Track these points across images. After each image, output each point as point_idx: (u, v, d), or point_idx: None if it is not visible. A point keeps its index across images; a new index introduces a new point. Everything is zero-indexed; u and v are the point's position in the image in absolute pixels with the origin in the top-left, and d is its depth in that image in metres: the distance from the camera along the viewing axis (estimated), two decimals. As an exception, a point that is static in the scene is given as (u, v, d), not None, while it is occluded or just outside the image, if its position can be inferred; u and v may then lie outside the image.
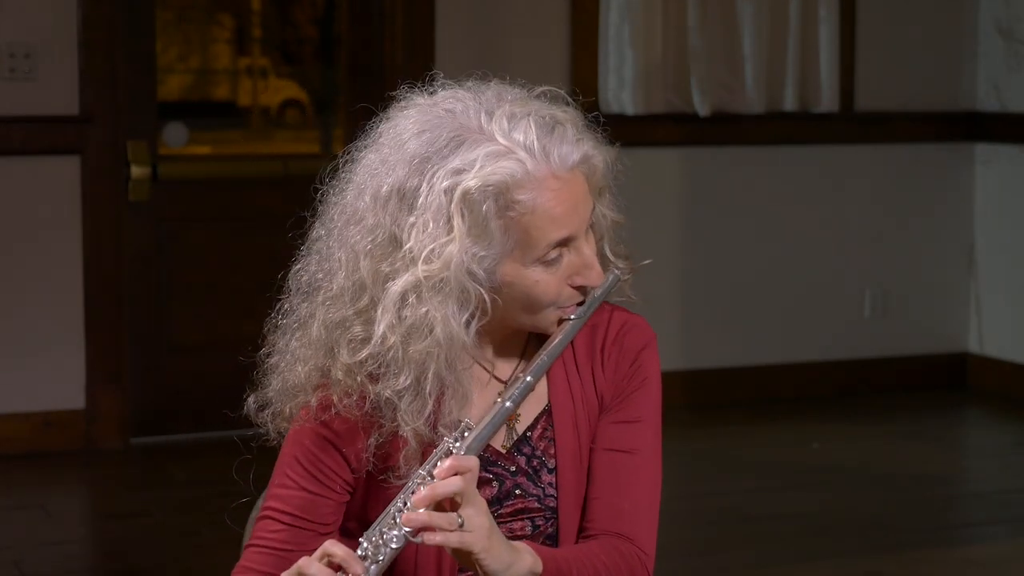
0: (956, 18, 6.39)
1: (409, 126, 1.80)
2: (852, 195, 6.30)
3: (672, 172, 6.02)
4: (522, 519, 1.90)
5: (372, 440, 1.81)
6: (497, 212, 1.75)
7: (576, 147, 1.80)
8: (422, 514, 1.66)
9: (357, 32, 5.73)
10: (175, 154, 5.56)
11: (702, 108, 5.91)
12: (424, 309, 1.75)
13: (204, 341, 5.48)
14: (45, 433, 5.26)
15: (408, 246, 1.75)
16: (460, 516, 1.67)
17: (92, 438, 5.31)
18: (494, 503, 1.88)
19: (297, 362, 1.86)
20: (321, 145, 6.13)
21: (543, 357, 1.83)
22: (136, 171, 5.31)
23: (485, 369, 1.90)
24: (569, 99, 1.88)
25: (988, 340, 6.44)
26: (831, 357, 6.32)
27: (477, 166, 1.74)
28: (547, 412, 1.92)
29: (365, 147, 1.85)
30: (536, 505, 1.90)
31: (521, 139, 1.77)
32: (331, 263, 1.83)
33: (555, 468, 1.90)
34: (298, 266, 1.89)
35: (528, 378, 1.80)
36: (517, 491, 1.89)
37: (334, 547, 1.67)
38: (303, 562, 1.68)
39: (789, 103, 6.10)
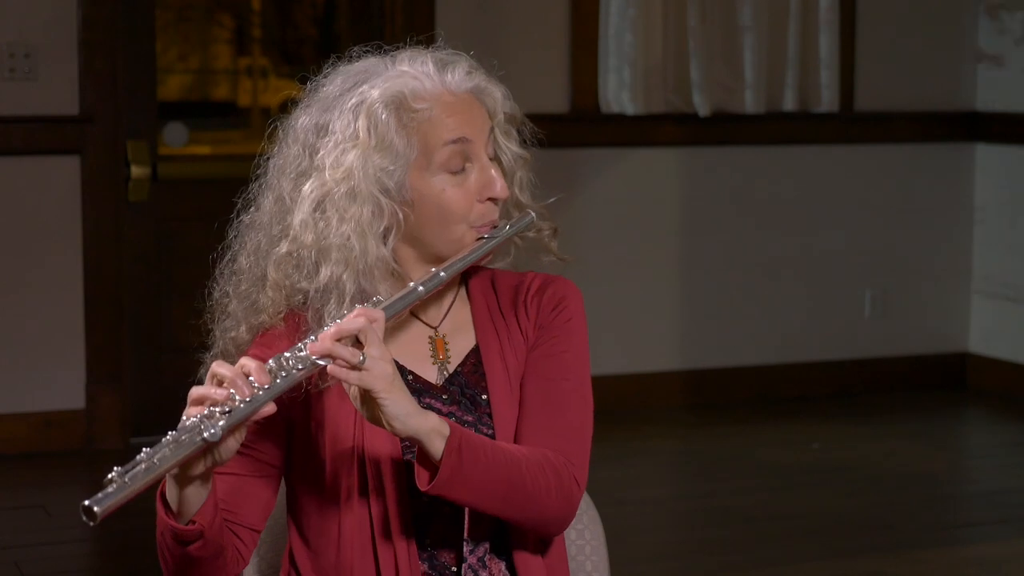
0: (956, 18, 6.39)
1: (327, 81, 1.99)
2: (852, 195, 6.30)
3: (672, 172, 6.02)
4: None
5: (302, 340, 1.88)
6: (398, 122, 1.91)
7: (468, 77, 1.97)
8: (326, 342, 1.74)
9: (357, 32, 5.73)
10: (175, 154, 5.56)
11: (702, 108, 5.91)
12: (338, 216, 1.89)
13: (204, 341, 5.47)
14: (45, 433, 5.26)
15: (320, 156, 1.92)
16: (363, 355, 1.75)
17: (92, 438, 5.31)
18: None
19: (231, 294, 1.99)
20: (321, 145, 6.13)
21: (459, 261, 1.94)
22: (136, 171, 5.31)
23: (416, 316, 2.01)
24: (469, 59, 2.01)
25: (988, 340, 6.44)
26: (831, 357, 6.33)
27: (379, 84, 1.93)
28: (475, 350, 2.02)
29: (296, 107, 2.01)
30: (473, 432, 1.94)
31: (419, 67, 1.96)
32: (259, 203, 2.00)
33: (488, 399, 1.98)
34: (234, 223, 2.04)
35: (441, 273, 1.91)
36: (452, 418, 1.95)
37: (220, 367, 1.77)
38: (196, 389, 1.79)
39: (789, 103, 6.10)
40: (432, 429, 1.80)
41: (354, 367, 1.75)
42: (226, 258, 2.02)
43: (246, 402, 1.73)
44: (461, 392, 1.99)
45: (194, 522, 1.82)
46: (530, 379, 2.00)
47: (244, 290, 1.97)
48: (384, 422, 1.78)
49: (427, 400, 1.96)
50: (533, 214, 2.03)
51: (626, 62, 5.80)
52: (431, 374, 1.99)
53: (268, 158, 2.02)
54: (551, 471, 1.91)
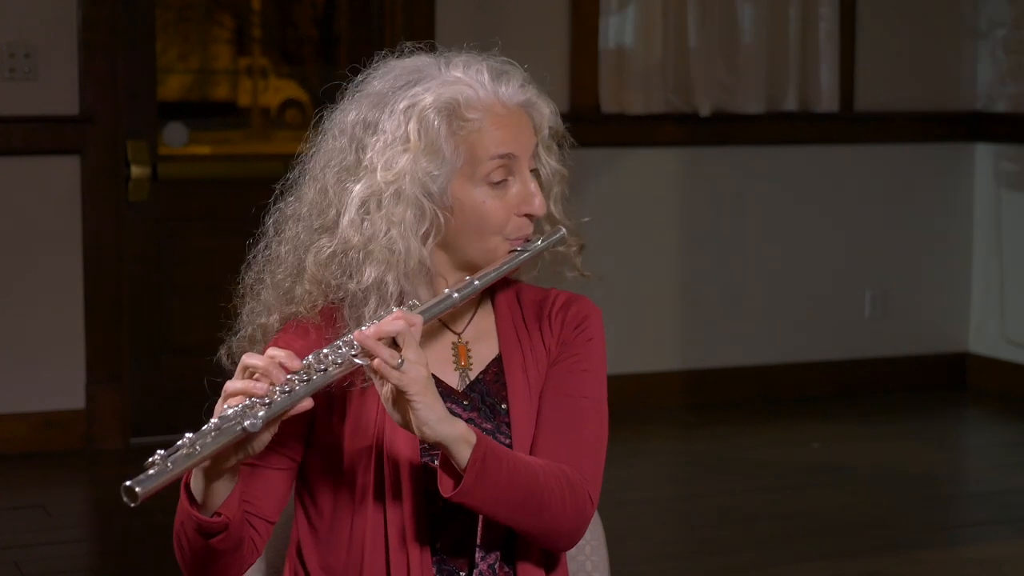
0: (956, 18, 6.39)
1: (376, 75, 1.99)
2: (852, 195, 6.30)
3: (672, 172, 6.02)
4: None
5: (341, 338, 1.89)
6: (448, 130, 1.91)
7: (521, 90, 1.99)
8: (368, 340, 1.76)
9: (357, 31, 5.73)
10: (175, 154, 5.56)
11: (702, 108, 5.91)
12: (383, 216, 1.90)
13: (204, 341, 5.47)
14: (45, 433, 5.26)
15: (369, 157, 1.92)
16: (401, 357, 1.77)
17: (92, 438, 5.31)
18: None
19: (266, 279, 1.99)
20: (321, 145, 6.12)
21: (492, 272, 1.95)
22: (136, 171, 5.31)
23: (441, 322, 2.01)
24: (521, 69, 2.04)
25: (988, 340, 6.44)
26: (831, 357, 6.33)
27: (433, 89, 1.93)
28: (498, 360, 2.03)
29: (344, 98, 2.01)
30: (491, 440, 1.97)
31: (474, 76, 1.96)
32: (300, 192, 1.99)
33: (507, 408, 1.99)
34: (273, 209, 2.03)
35: (476, 282, 1.92)
36: (471, 424, 1.95)
37: (252, 359, 1.77)
38: (231, 382, 1.77)
39: (789, 103, 6.10)
40: (460, 436, 1.81)
41: (392, 368, 1.76)
42: (262, 244, 2.02)
43: (285, 394, 1.74)
44: (482, 400, 2.00)
45: (219, 514, 1.82)
46: (549, 393, 2.01)
47: (279, 279, 1.98)
48: (414, 426, 1.79)
49: (448, 405, 1.95)
50: (564, 230, 2.06)
51: (626, 62, 5.80)
52: (453, 379, 2.00)
53: (312, 148, 2.01)
54: (567, 486, 1.93)
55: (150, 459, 1.68)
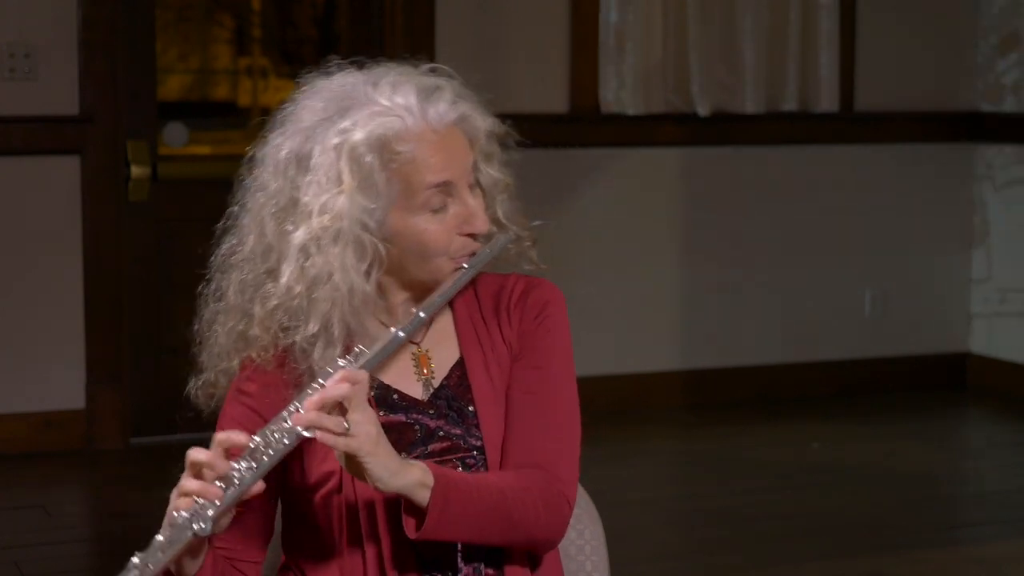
0: (956, 18, 6.39)
1: (306, 103, 1.96)
2: (852, 195, 6.30)
3: (672, 172, 6.02)
4: (451, 459, 1.97)
5: (295, 393, 1.89)
6: (381, 164, 1.90)
7: (452, 108, 1.94)
8: (310, 413, 1.77)
9: (357, 31, 5.73)
10: (175, 154, 5.56)
11: (702, 108, 5.91)
12: (323, 259, 1.90)
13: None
14: (45, 433, 5.26)
15: (306, 201, 1.91)
16: (347, 421, 1.77)
17: (92, 438, 5.31)
18: (419, 444, 1.97)
19: (217, 329, 2.00)
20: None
21: (437, 297, 1.94)
22: (136, 171, 5.31)
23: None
24: (455, 75, 2.00)
25: (988, 340, 6.44)
26: (831, 357, 6.33)
27: (361, 124, 1.90)
28: (459, 363, 2.02)
29: (273, 130, 2.00)
30: (462, 444, 1.97)
31: (401, 101, 1.92)
32: (242, 233, 2.00)
33: (475, 411, 1.98)
34: (219, 247, 2.03)
35: (420, 313, 1.91)
36: (440, 432, 1.97)
37: (197, 454, 1.79)
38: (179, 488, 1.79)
39: (789, 103, 6.10)
40: (416, 482, 1.82)
41: (339, 434, 1.77)
42: (211, 288, 2.02)
43: (234, 486, 1.76)
44: (448, 406, 1.99)
45: None
46: (514, 391, 2.00)
47: (232, 325, 1.98)
48: (369, 482, 1.80)
49: (414, 416, 1.97)
50: (510, 234, 2.02)
51: (626, 62, 5.80)
52: (416, 390, 2.00)
53: (248, 186, 2.02)
54: (538, 495, 1.92)
55: None
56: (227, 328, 1.98)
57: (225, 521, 1.80)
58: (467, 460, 1.97)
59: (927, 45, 6.37)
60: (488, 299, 2.05)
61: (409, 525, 1.84)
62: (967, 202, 6.46)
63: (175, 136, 5.56)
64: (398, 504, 1.89)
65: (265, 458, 1.77)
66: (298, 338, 1.91)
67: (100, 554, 4.48)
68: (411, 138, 1.90)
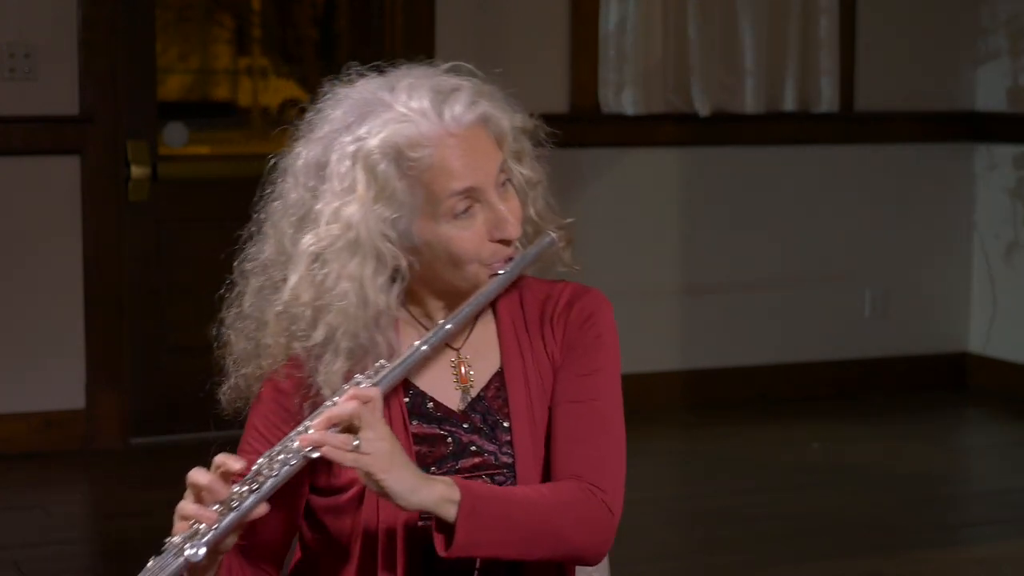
0: (956, 18, 6.39)
1: (328, 112, 1.92)
2: (852, 195, 6.30)
3: (672, 172, 6.02)
4: (480, 475, 1.92)
5: (307, 405, 1.87)
6: (398, 172, 1.84)
7: (470, 108, 1.87)
8: (316, 433, 1.74)
9: (357, 31, 5.73)
10: (175, 154, 5.56)
11: (702, 108, 5.91)
12: (334, 269, 1.85)
13: (204, 341, 5.47)
14: (45, 433, 5.26)
15: (318, 207, 1.87)
16: (357, 439, 1.73)
17: (92, 438, 5.31)
18: (450, 459, 1.92)
19: (237, 336, 1.96)
20: (321, 145, 6.12)
21: (466, 308, 1.90)
22: (136, 171, 5.31)
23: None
24: (476, 72, 1.94)
25: (988, 340, 6.43)
26: (831, 357, 6.32)
27: (376, 130, 1.85)
28: (499, 373, 1.96)
29: (296, 139, 1.96)
30: (493, 461, 1.93)
31: (417, 105, 1.86)
32: (262, 240, 1.96)
33: (510, 426, 1.93)
34: (241, 254, 2.00)
35: (447, 325, 1.87)
36: (472, 447, 1.92)
37: (199, 476, 1.76)
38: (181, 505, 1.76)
39: (789, 103, 6.09)
40: (441, 498, 1.77)
41: (348, 452, 1.73)
42: (233, 294, 1.99)
43: (233, 509, 1.74)
44: (483, 419, 1.94)
45: None
46: (559, 402, 1.94)
47: (250, 332, 1.95)
48: (391, 499, 1.76)
49: (448, 428, 1.93)
50: (544, 241, 1.97)
51: (626, 62, 5.80)
52: (453, 399, 1.95)
53: (270, 195, 1.97)
54: (577, 506, 1.87)
55: None
56: (244, 334, 1.95)
57: (229, 542, 1.77)
58: (496, 477, 1.92)
59: (927, 45, 6.37)
60: (534, 307, 2.00)
61: (439, 542, 1.79)
62: (967, 202, 6.46)
63: (175, 136, 5.56)
64: (415, 519, 1.86)
65: (268, 481, 1.74)
66: (302, 349, 1.87)
67: (100, 554, 4.48)
68: (428, 143, 1.84)
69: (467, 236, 1.88)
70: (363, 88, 1.91)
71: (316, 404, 1.84)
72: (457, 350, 1.96)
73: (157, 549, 1.77)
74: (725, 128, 6.03)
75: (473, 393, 1.96)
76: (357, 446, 1.73)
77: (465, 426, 1.93)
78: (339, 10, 5.86)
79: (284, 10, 6.21)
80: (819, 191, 6.25)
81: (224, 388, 1.98)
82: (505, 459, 1.93)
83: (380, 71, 1.94)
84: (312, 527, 1.96)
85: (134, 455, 5.30)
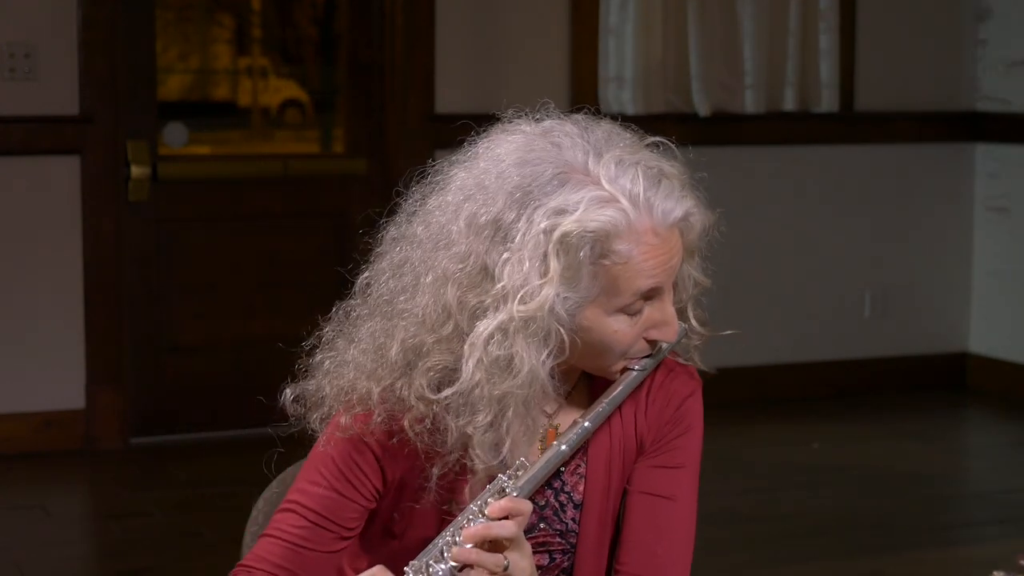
0: (956, 18, 6.39)
1: (511, 152, 1.76)
2: (852, 195, 6.30)
3: (672, 172, 6.01)
4: (542, 552, 1.88)
5: (436, 470, 1.77)
6: (592, 259, 1.71)
7: (679, 204, 1.78)
8: (471, 551, 1.66)
9: (357, 31, 5.73)
10: (175, 154, 5.56)
11: (702, 108, 5.91)
12: (512, 347, 1.71)
13: (204, 341, 5.49)
14: (45, 433, 5.26)
15: (502, 283, 1.71)
16: (507, 559, 1.67)
17: (92, 438, 5.31)
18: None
19: (354, 370, 1.81)
20: (321, 145, 6.13)
21: (604, 405, 1.80)
22: (136, 171, 5.32)
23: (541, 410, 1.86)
24: (677, 153, 1.86)
25: (988, 340, 6.44)
26: (831, 357, 6.33)
27: (580, 209, 1.70)
28: (583, 449, 1.87)
29: (459, 164, 1.81)
30: (558, 539, 1.88)
31: (628, 187, 1.73)
32: (413, 282, 1.78)
33: (581, 504, 1.87)
34: (367, 273, 1.85)
35: (587, 424, 1.78)
36: (541, 525, 1.87)
37: None
38: None
39: (789, 103, 6.10)
40: None
41: (499, 573, 1.67)
42: (355, 314, 1.83)
43: None
44: (556, 496, 1.87)
45: None
46: (636, 491, 1.87)
47: (373, 372, 1.79)
48: None
49: None
50: (685, 326, 1.85)
51: (626, 62, 5.80)
52: None
53: (424, 226, 1.79)
54: None
55: None
56: (365, 377, 1.79)
57: None
58: (555, 554, 1.88)
59: (927, 45, 6.37)
60: None
61: None
62: (967, 202, 6.46)
63: (175, 136, 5.56)
64: None
65: None
66: (468, 429, 1.73)
67: (100, 554, 4.48)
68: (631, 238, 1.71)
69: (628, 332, 1.78)
70: (557, 138, 1.77)
71: (448, 475, 1.77)
72: (549, 416, 1.87)
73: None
74: (725, 128, 6.03)
75: None
76: (507, 568, 1.67)
77: (541, 503, 1.86)
78: (339, 10, 5.86)
79: (284, 10, 6.21)
80: (819, 191, 6.25)
81: (305, 407, 1.85)
82: (570, 537, 1.87)
83: (571, 118, 1.81)
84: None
85: (134, 455, 5.30)
